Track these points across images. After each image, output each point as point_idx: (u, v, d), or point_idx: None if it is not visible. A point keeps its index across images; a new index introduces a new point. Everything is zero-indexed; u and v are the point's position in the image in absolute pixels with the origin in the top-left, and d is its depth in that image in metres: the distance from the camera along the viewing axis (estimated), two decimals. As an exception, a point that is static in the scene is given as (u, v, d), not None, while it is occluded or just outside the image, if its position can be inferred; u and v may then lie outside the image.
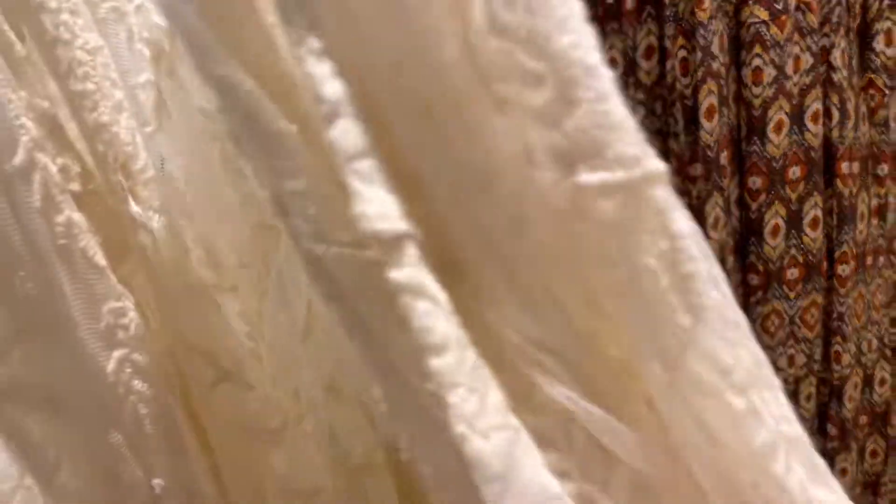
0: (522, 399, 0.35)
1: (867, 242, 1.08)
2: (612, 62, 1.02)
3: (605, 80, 0.32)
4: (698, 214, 0.97)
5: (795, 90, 1.00)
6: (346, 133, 0.31)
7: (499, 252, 0.36)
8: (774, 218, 1.02)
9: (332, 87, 0.31)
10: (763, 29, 0.98)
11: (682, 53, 0.98)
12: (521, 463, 0.33)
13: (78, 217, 0.47)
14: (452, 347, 0.33)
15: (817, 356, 1.06)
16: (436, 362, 0.33)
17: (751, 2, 0.98)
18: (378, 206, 0.30)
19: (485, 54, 0.32)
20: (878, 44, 1.05)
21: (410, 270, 0.31)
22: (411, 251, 0.31)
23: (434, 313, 0.31)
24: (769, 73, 0.99)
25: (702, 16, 0.96)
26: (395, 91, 0.34)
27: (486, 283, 0.36)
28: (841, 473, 1.09)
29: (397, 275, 0.31)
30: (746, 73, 0.99)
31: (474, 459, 0.32)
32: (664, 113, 1.02)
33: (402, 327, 0.31)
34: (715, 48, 0.97)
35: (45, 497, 0.48)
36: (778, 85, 0.99)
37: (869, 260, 1.08)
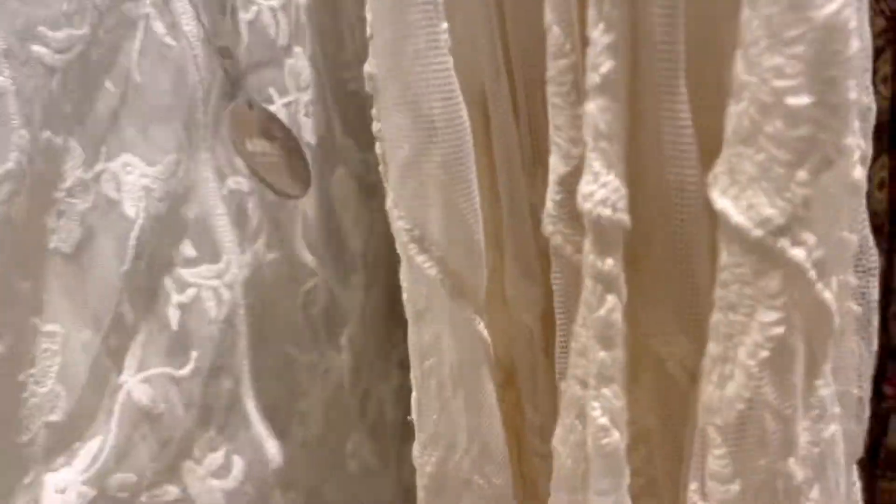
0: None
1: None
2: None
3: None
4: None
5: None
6: (604, 111, 0.30)
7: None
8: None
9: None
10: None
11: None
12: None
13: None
14: (619, 344, 0.33)
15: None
16: (602, 355, 0.32)
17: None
18: (606, 192, 0.30)
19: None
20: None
21: (612, 262, 0.30)
22: (617, 245, 0.30)
23: (617, 308, 0.31)
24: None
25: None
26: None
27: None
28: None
29: (601, 264, 0.30)
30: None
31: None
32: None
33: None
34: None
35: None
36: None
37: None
